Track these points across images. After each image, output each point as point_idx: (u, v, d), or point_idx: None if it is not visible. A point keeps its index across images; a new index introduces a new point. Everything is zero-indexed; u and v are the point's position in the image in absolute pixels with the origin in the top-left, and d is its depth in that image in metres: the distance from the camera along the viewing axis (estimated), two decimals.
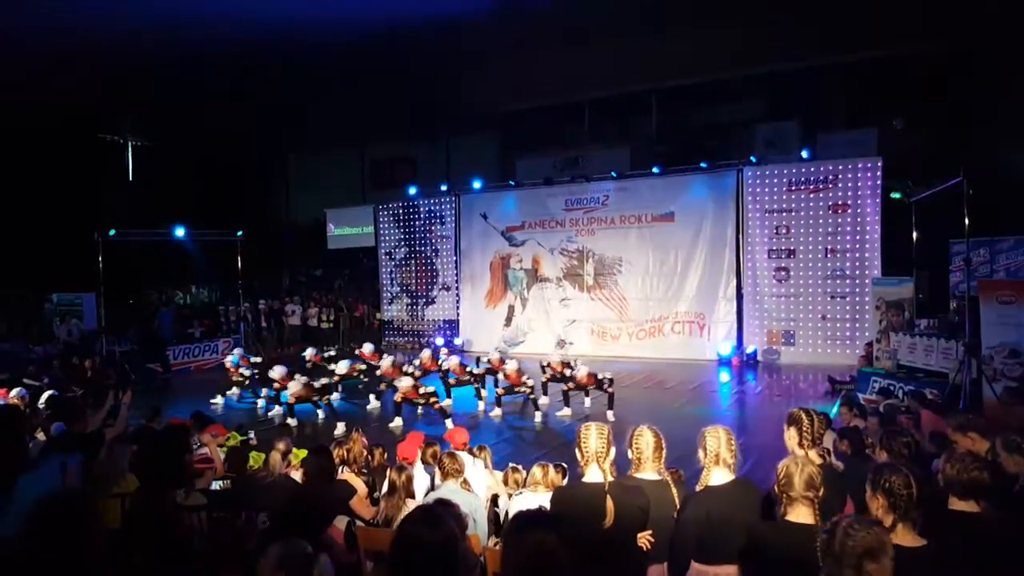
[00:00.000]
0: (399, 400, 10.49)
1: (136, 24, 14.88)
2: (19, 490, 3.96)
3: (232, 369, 13.14)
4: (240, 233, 18.36)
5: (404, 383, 10.47)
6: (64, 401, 10.31)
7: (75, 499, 2.54)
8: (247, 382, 12.95)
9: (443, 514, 2.43)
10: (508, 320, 18.72)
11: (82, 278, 17.96)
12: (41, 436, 7.47)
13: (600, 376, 10.86)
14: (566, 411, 10.86)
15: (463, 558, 2.85)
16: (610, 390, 10.75)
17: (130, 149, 25.97)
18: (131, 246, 17.99)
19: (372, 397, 12.19)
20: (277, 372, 11.47)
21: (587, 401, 11.42)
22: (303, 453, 5.65)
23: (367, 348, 13.70)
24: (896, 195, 13.76)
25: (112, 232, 16.13)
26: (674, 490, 3.69)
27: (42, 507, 2.40)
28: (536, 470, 4.81)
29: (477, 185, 18.88)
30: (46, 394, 10.12)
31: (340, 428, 9.91)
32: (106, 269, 16.36)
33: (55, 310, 18.93)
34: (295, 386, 10.53)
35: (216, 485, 5.12)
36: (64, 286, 19.08)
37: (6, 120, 19.39)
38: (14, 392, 9.40)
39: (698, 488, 3.56)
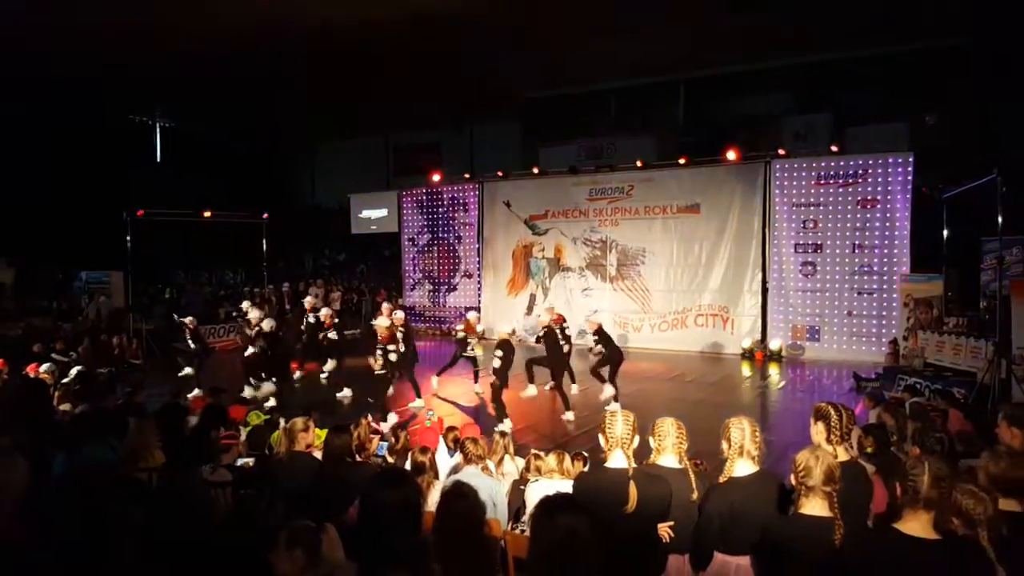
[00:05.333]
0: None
1: (167, 8, 15.00)
2: None
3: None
4: (265, 215, 18.49)
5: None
6: (92, 378, 10.50)
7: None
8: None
9: (406, 476, 2.49)
10: (529, 309, 18.69)
11: (110, 257, 18.24)
12: (67, 407, 7.64)
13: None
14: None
15: (484, 541, 2.86)
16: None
17: (158, 131, 26.28)
18: (158, 226, 18.20)
19: None
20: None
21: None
22: (324, 433, 5.67)
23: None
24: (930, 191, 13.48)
25: (140, 212, 16.32)
26: (692, 477, 3.67)
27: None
28: (552, 458, 4.81)
29: (501, 173, 18.82)
30: (74, 370, 10.31)
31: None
32: (134, 248, 16.58)
33: (84, 287, 19.24)
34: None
35: (241, 462, 5.17)
36: (93, 264, 19.38)
37: (39, 101, 19.70)
38: (44, 367, 9.61)
39: (721, 479, 3.53)
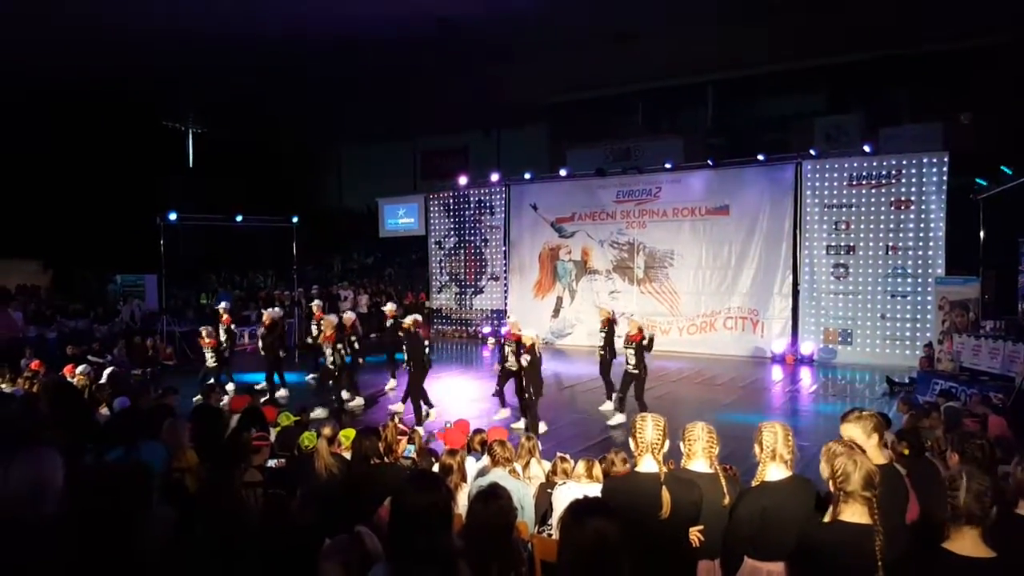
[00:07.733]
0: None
1: (197, 15, 15.24)
2: None
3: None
4: (295, 219, 18.69)
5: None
6: (126, 379, 10.69)
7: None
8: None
9: (437, 479, 2.50)
10: (556, 311, 18.66)
11: (144, 260, 18.59)
12: (104, 410, 7.77)
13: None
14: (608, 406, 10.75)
15: (514, 543, 2.86)
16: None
17: (190, 136, 26.73)
18: (191, 230, 18.50)
19: None
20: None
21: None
22: (351, 433, 5.70)
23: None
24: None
25: (173, 216, 16.59)
26: (723, 482, 3.63)
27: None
28: (581, 464, 4.79)
29: (528, 175, 18.81)
30: (108, 371, 10.49)
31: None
32: (167, 252, 16.86)
33: (119, 291, 19.60)
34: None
35: (271, 463, 5.22)
36: (127, 268, 19.76)
37: (75, 109, 20.14)
38: (80, 369, 9.79)
39: (754, 483, 3.49)
